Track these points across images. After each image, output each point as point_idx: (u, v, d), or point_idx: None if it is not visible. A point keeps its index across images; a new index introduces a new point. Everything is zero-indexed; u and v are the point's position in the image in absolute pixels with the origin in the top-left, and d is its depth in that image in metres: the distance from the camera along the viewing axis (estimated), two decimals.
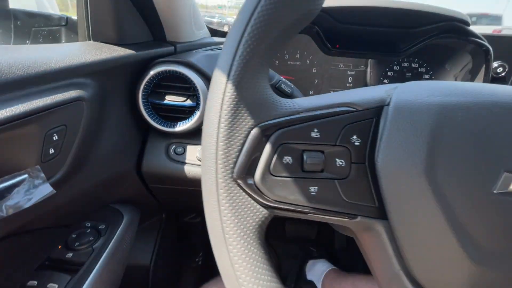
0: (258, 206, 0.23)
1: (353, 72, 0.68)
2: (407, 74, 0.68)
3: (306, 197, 0.24)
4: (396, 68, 0.68)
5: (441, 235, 0.23)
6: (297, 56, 0.68)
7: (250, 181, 0.23)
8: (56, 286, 0.42)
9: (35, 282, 0.41)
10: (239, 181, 0.22)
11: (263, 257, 0.23)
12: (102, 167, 0.51)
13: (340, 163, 0.25)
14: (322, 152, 0.25)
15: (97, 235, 0.51)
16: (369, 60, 0.69)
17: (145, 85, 0.55)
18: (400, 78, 0.68)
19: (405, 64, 0.68)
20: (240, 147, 0.22)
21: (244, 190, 0.23)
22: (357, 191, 0.25)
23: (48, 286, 0.41)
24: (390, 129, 0.24)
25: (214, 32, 0.88)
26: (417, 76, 0.68)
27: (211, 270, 0.87)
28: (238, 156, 0.22)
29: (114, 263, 0.51)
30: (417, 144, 0.24)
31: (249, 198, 0.23)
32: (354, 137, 0.25)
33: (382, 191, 0.24)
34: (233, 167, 0.22)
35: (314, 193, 0.24)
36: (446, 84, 0.27)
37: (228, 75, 0.21)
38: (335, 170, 0.25)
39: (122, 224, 0.56)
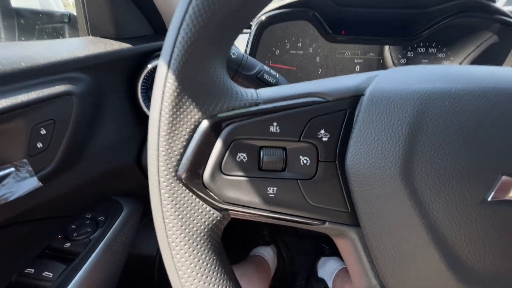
0: (208, 208, 0.21)
1: (361, 60, 0.63)
2: (423, 60, 0.61)
3: (263, 198, 0.21)
4: (410, 54, 0.61)
5: (420, 249, 0.20)
6: (299, 44, 0.63)
7: (197, 181, 0.21)
8: (51, 274, 0.43)
9: (32, 270, 0.43)
10: (185, 181, 0.20)
11: (212, 263, 0.21)
12: (100, 160, 0.52)
13: (305, 161, 0.22)
14: (284, 148, 0.22)
15: (95, 226, 0.52)
16: (379, 46, 0.62)
17: (144, 78, 0.55)
18: (415, 65, 0.62)
19: (421, 50, 0.61)
20: (184, 143, 0.20)
21: (191, 190, 0.21)
22: (324, 194, 0.22)
23: (43, 274, 0.43)
24: (362, 122, 0.21)
25: None
26: (435, 62, 0.61)
27: None
28: (182, 153, 0.20)
29: (111, 254, 0.52)
30: (392, 139, 0.20)
31: (197, 199, 0.21)
32: (322, 131, 0.22)
33: (352, 194, 0.21)
34: (177, 165, 0.20)
35: (272, 195, 0.21)
36: (436, 69, 0.23)
37: (169, 64, 0.20)
38: (298, 169, 0.22)
39: (121, 216, 0.57)
